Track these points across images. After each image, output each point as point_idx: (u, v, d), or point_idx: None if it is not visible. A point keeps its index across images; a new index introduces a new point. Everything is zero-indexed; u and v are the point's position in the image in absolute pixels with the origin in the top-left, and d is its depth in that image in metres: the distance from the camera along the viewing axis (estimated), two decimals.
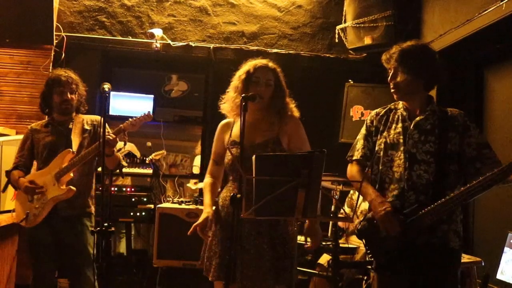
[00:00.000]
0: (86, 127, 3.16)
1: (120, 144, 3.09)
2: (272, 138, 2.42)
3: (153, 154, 4.53)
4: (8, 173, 3.16)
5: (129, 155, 4.39)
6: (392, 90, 2.37)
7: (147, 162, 4.40)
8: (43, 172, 3.04)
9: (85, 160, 2.98)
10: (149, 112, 3.04)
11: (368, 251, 2.41)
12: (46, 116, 3.29)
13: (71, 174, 3.02)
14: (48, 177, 3.00)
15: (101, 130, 2.60)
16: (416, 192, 2.23)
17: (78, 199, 3.05)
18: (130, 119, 2.99)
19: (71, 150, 3.02)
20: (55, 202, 3.00)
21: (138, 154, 4.64)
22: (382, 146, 2.36)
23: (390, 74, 2.35)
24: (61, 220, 3.02)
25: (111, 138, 2.88)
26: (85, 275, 3.02)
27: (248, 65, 2.49)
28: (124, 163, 3.28)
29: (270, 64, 2.51)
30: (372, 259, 2.41)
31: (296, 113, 2.55)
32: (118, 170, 3.20)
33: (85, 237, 3.04)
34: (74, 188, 2.97)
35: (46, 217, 3.00)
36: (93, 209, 3.17)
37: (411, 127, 2.31)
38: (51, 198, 2.99)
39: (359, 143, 2.48)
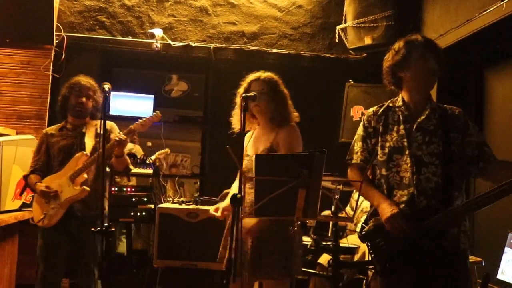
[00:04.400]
0: (100, 131, 3.20)
1: (130, 145, 3.13)
2: (267, 147, 2.55)
3: (157, 153, 4.53)
4: (25, 177, 3.24)
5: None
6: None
7: (151, 161, 4.39)
8: (59, 175, 3.12)
9: (97, 161, 3.01)
10: (158, 112, 3.15)
11: (373, 255, 2.33)
12: (64, 121, 3.31)
13: (85, 175, 3.08)
14: (63, 179, 3.08)
15: (102, 129, 2.63)
16: (427, 197, 2.17)
17: (93, 200, 3.08)
18: (139, 120, 3.09)
19: (85, 152, 3.10)
20: (70, 202, 3.07)
21: (139, 154, 4.63)
22: (386, 150, 2.28)
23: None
24: (77, 221, 3.07)
25: (122, 138, 2.97)
26: (93, 274, 3.06)
27: (246, 81, 2.66)
28: (131, 167, 3.35)
29: (263, 75, 2.63)
30: (376, 262, 2.33)
31: (293, 121, 2.61)
32: (125, 173, 3.28)
33: (98, 238, 3.08)
34: (87, 188, 3.03)
35: (63, 218, 3.06)
36: (106, 210, 3.22)
37: (414, 129, 2.25)
38: (66, 199, 3.06)
39: (357, 145, 2.40)
